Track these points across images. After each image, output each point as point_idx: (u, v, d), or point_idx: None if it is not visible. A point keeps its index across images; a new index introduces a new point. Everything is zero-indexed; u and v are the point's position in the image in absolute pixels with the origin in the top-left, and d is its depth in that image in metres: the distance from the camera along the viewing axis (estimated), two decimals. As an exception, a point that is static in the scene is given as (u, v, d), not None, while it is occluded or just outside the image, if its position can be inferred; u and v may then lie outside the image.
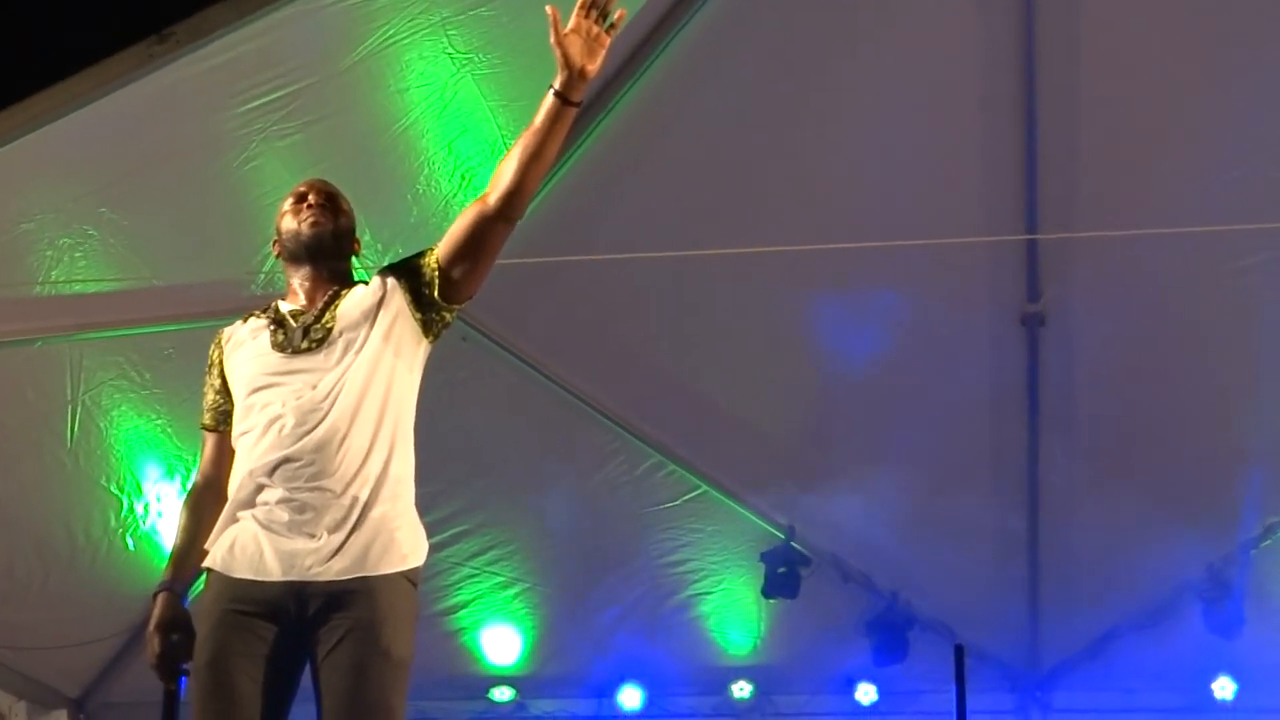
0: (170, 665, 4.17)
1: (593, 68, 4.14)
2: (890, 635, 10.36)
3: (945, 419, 9.36)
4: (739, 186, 8.57)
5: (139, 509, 8.91)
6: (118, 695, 10.28)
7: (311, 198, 4.45)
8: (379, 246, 7.49)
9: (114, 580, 9.12)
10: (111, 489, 8.79)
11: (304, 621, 4.06)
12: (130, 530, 8.97)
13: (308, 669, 4.11)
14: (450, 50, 7.36)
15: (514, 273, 7.73)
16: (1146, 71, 8.24)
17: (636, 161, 8.51)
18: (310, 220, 4.40)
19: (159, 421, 8.54)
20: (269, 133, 7.30)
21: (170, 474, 8.77)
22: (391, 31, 7.18)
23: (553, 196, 8.10)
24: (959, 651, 7.49)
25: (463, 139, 7.75)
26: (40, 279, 7.51)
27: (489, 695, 10.80)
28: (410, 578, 4.19)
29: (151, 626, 4.20)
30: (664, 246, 8.36)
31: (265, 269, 7.48)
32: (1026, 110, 8.30)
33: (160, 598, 4.23)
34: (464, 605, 10.27)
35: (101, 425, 8.45)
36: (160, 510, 8.89)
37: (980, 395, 9.46)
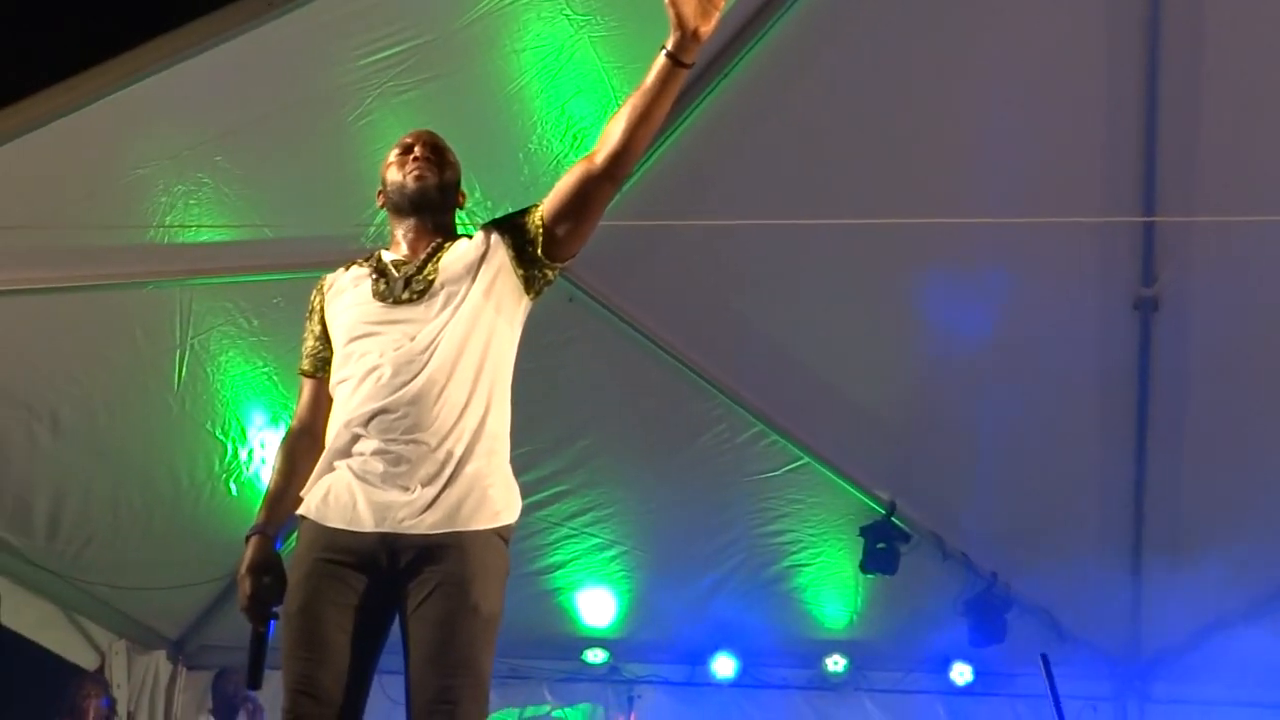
0: (261, 608, 4.20)
1: (706, 29, 4.09)
2: (988, 616, 10.29)
3: (1053, 401, 9.27)
4: (854, 157, 8.50)
5: (243, 455, 8.99)
6: (216, 639, 10.40)
7: (417, 150, 4.45)
8: (489, 204, 7.49)
9: (216, 524, 9.21)
10: (216, 434, 8.87)
11: (395, 573, 4.07)
12: (234, 475, 9.06)
13: (397, 620, 4.11)
14: (568, 11, 7.35)
15: (622, 235, 7.73)
16: (1271, 54, 8.08)
17: (751, 129, 8.45)
18: (415, 172, 4.41)
19: (265, 369, 8.61)
20: (385, 89, 7.31)
21: (275, 421, 8.84)
22: (510, -10, 7.19)
23: (664, 160, 8.08)
24: (1045, 662, 7.41)
25: (576, 100, 7.73)
26: (154, 223, 7.57)
27: (582, 656, 10.82)
28: (502, 535, 4.19)
29: (243, 569, 4.23)
30: (774, 215, 8.31)
31: (375, 222, 7.51)
32: (1148, 90, 8.19)
33: (253, 541, 4.26)
34: (561, 565, 10.30)
35: (209, 370, 8.52)
36: (263, 457, 8.96)
37: (1089, 378, 9.35)
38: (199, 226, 7.64)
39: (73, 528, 8.94)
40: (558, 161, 7.85)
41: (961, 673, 10.65)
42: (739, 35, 7.86)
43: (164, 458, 8.96)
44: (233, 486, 9.08)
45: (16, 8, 7.21)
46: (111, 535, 9.11)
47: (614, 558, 10.35)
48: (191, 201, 7.53)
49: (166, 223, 7.59)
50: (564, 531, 10.04)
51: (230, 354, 8.51)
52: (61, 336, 8.06)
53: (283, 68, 7.24)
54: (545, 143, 7.90)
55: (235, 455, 8.96)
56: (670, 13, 4.06)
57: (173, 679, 10.60)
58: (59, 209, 7.24)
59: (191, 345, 8.33)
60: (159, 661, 10.48)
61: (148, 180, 7.42)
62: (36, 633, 9.43)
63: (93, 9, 7.20)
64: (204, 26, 6.64)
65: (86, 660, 9.88)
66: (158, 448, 8.90)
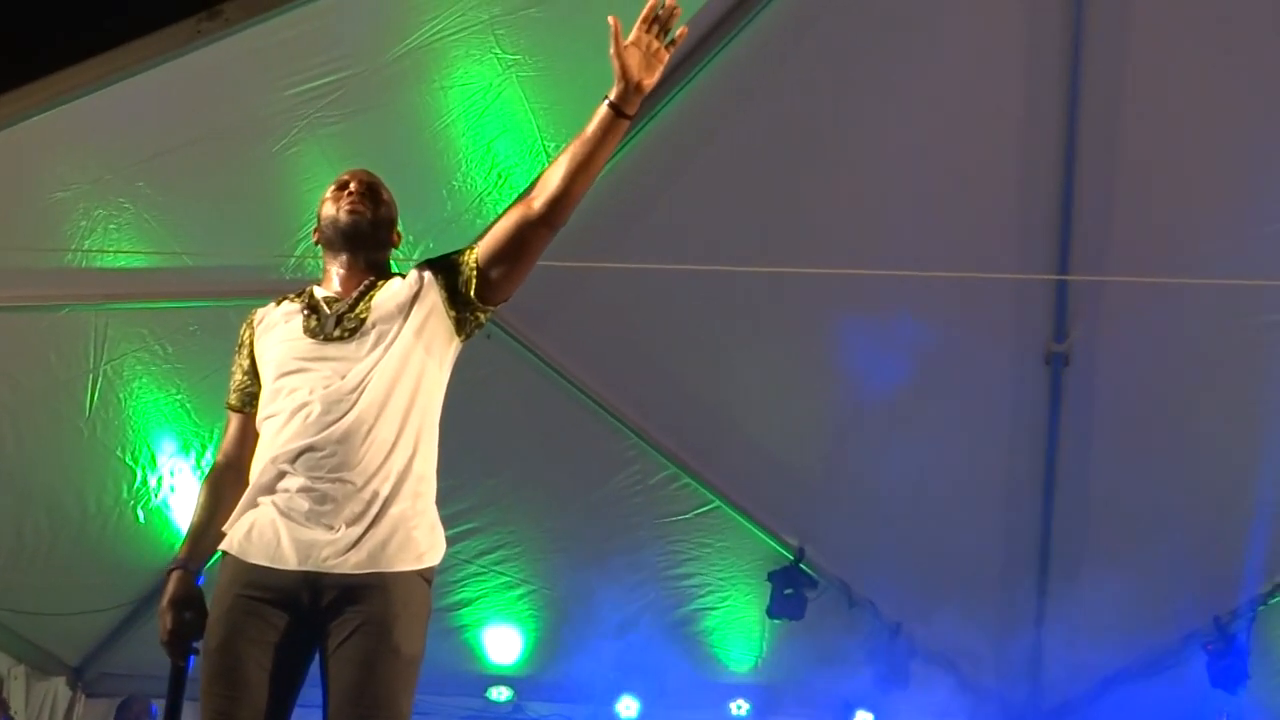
0: (181, 643, 4.17)
1: (650, 82, 4.14)
2: (892, 664, 10.34)
3: (963, 452, 9.36)
4: (773, 205, 8.56)
5: (152, 482, 8.90)
6: (117, 666, 10.29)
7: (353, 186, 4.46)
8: (411, 239, 7.47)
9: (121, 551, 9.12)
10: (126, 460, 8.78)
11: (316, 612, 4.05)
12: (141, 503, 8.96)
13: (317, 658, 4.09)
14: (497, 50, 7.35)
15: (544, 275, 7.71)
16: (1187, 121, 8.23)
17: (671, 176, 8.50)
18: (349, 208, 4.41)
19: (178, 396, 8.54)
20: (311, 119, 7.29)
21: (185, 449, 8.77)
22: (440, 26, 7.17)
23: (588, 202, 8.08)
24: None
25: (502, 139, 7.73)
26: (72, 247, 7.51)
27: (487, 694, 10.78)
28: (425, 576, 4.19)
29: (164, 603, 4.19)
30: (694, 260, 8.36)
31: (296, 254, 7.48)
32: (1065, 150, 8.31)
33: (174, 575, 4.22)
34: (468, 603, 10.27)
35: (121, 396, 8.44)
36: (173, 485, 8.88)
37: (1000, 430, 9.45)
38: (117, 251, 7.58)
39: (-24, 550, 8.83)
40: (480, 199, 7.86)
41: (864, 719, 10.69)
42: (664, 83, 7.88)
43: (72, 482, 8.86)
44: (140, 514, 8.97)
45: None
46: (15, 558, 8.98)
47: (521, 596, 10.34)
48: (111, 226, 7.47)
49: (85, 246, 7.52)
50: (472, 569, 10.02)
51: (143, 380, 8.43)
52: (-30, 357, 7.98)
53: (209, 95, 7.20)
54: (469, 180, 7.89)
55: (144, 482, 8.87)
56: (615, 64, 4.09)
57: (71, 706, 10.46)
58: (-24, 230, 7.18)
59: (104, 370, 8.25)
60: (58, 687, 10.34)
61: (68, 203, 7.36)
62: (-66, 656, 9.32)
63: (20, 30, 7.12)
64: (133, 51, 6.60)
65: (-16, 684, 9.76)
66: (66, 472, 8.80)
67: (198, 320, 8.15)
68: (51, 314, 7.97)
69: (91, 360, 8.19)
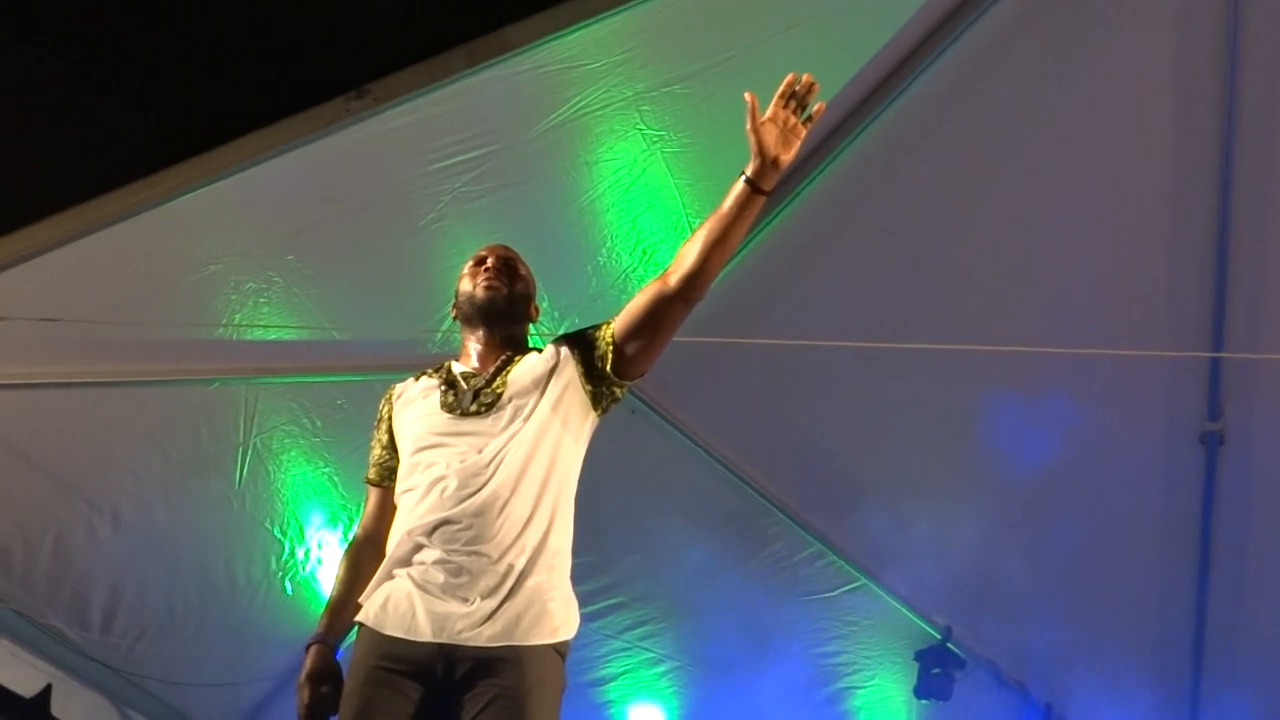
0: (317, 716, 4.22)
1: (787, 158, 4.14)
2: (1042, 747, 10.17)
3: (1115, 531, 9.19)
4: (918, 280, 8.50)
5: (300, 554, 8.98)
6: (266, 737, 10.37)
7: (490, 262, 4.50)
8: (556, 314, 7.52)
9: (270, 623, 9.19)
10: (275, 532, 8.87)
11: (450, 684, 4.06)
12: (290, 574, 9.04)
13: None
14: (641, 126, 7.38)
15: (687, 350, 7.73)
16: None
17: (818, 250, 8.47)
18: (485, 284, 4.45)
19: (326, 470, 8.62)
20: (457, 194, 7.36)
21: (333, 522, 8.84)
22: (584, 103, 7.22)
23: (732, 276, 8.09)
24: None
25: (647, 214, 7.75)
26: (223, 321, 7.63)
27: (631, 772, 10.74)
28: (560, 650, 4.19)
29: (302, 677, 4.25)
30: (838, 336, 8.31)
31: (443, 329, 7.54)
32: (1219, 224, 8.17)
33: (313, 649, 4.28)
34: (613, 678, 10.23)
35: (270, 469, 8.53)
36: (320, 557, 8.95)
37: (1153, 510, 9.27)
38: (267, 326, 7.69)
39: (127, 621, 8.91)
40: (626, 275, 7.88)
41: (1014, 803, 10.51)
42: (809, 159, 7.90)
43: (221, 554, 8.94)
44: (288, 585, 9.05)
45: (98, 105, 7.33)
46: (165, 630, 9.08)
47: (665, 672, 10.27)
48: (261, 300, 7.58)
49: (236, 321, 7.64)
50: (617, 644, 9.99)
51: (292, 453, 8.52)
52: (125, 430, 8.09)
53: (356, 171, 7.30)
54: (614, 256, 7.92)
55: (293, 554, 8.95)
56: (751, 140, 4.10)
57: (220, 776, 10.56)
58: (131, 303, 7.30)
59: (254, 444, 8.35)
60: (208, 758, 10.44)
61: (219, 277, 7.47)
62: (85, 725, 9.44)
63: (174, 107, 7.29)
64: (284, 130, 6.73)
65: (134, 754, 9.87)
66: (215, 544, 8.89)
67: (346, 394, 8.23)
68: (203, 387, 8.10)
69: (241, 433, 8.29)
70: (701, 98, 7.33)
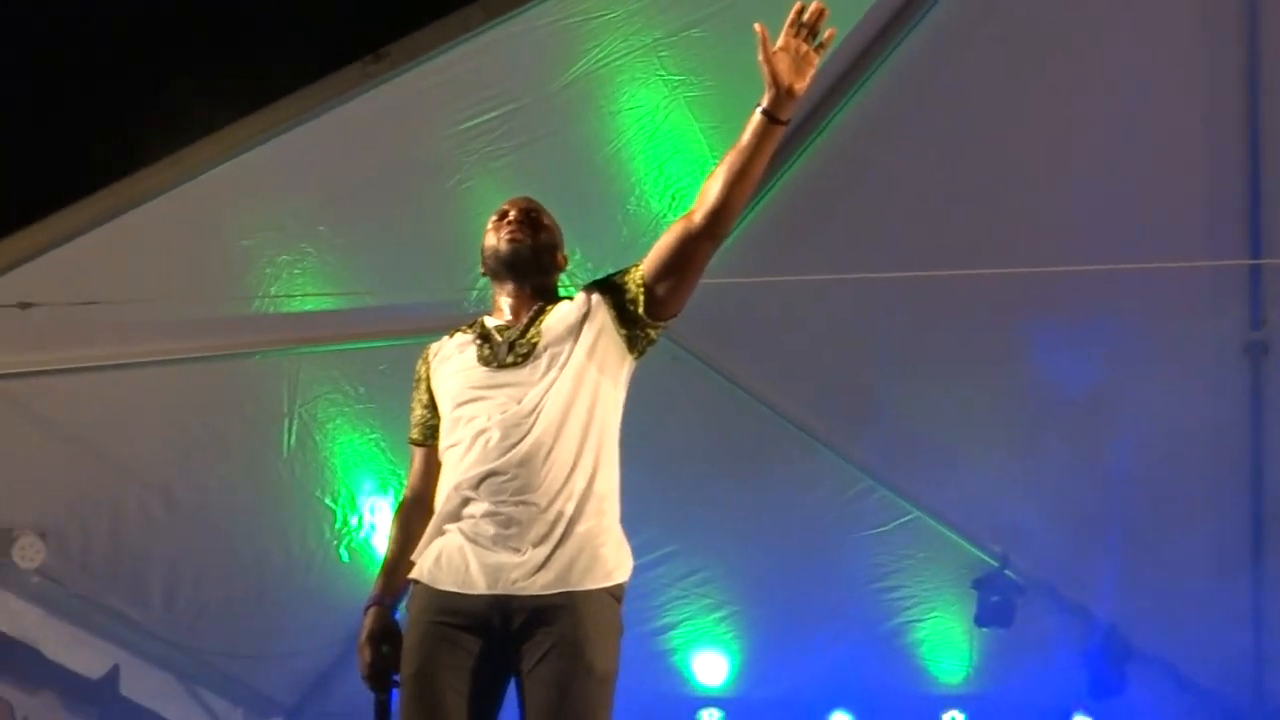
0: (381, 676, 4.25)
1: (800, 86, 4.11)
2: (1107, 667, 10.14)
3: (1164, 447, 9.14)
4: (953, 209, 8.46)
5: (353, 521, 9.04)
6: (332, 705, 10.41)
7: (512, 215, 4.50)
8: (589, 266, 7.52)
9: (329, 590, 9.27)
10: (326, 501, 8.93)
11: (508, 635, 4.09)
12: (345, 542, 9.11)
13: (513, 681, 4.13)
14: (662, 72, 7.39)
15: (723, 292, 7.73)
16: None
17: (849, 183, 8.45)
18: (509, 236, 4.45)
19: (373, 435, 8.67)
20: (482, 154, 7.38)
21: (384, 487, 8.90)
22: (604, 53, 7.23)
23: (763, 215, 8.09)
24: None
25: (673, 159, 7.76)
26: (260, 294, 7.68)
27: (697, 717, 10.76)
28: (614, 594, 4.20)
29: (363, 639, 4.28)
30: (875, 269, 8.29)
31: (478, 286, 7.56)
32: (1250, 130, 8.10)
33: (371, 611, 4.31)
34: (673, 626, 10.26)
35: (317, 438, 8.59)
36: (373, 523, 9.01)
37: (1201, 424, 9.20)
38: (304, 295, 7.73)
39: (188, 598, 9.01)
40: (656, 222, 7.88)
41: (1083, 725, 10.51)
42: (834, 89, 7.87)
43: (276, 525, 9.02)
44: (344, 553, 9.12)
45: (123, 86, 7.36)
46: (226, 604, 9.17)
47: (725, 617, 10.30)
48: (296, 271, 7.63)
49: (272, 293, 7.69)
50: (674, 592, 10.01)
51: (338, 421, 8.58)
52: (171, 408, 8.17)
53: (381, 135, 7.33)
54: (644, 203, 7.93)
55: (345, 521, 9.02)
56: (765, 70, 4.09)
57: (287, 746, 10.64)
58: (167, 281, 7.36)
59: (299, 414, 8.41)
60: (275, 729, 10.54)
61: (253, 251, 7.53)
62: (156, 703, 9.51)
63: (197, 83, 7.31)
64: (303, 98, 6.75)
65: (206, 729, 9.97)
66: (269, 515, 8.97)
67: (387, 359, 8.27)
68: (244, 361, 8.15)
69: (286, 405, 8.35)
70: (718, 40, 7.32)
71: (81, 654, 8.89)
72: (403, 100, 7.05)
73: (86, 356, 7.65)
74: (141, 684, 9.33)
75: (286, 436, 8.43)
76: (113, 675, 9.10)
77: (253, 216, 7.41)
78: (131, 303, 7.11)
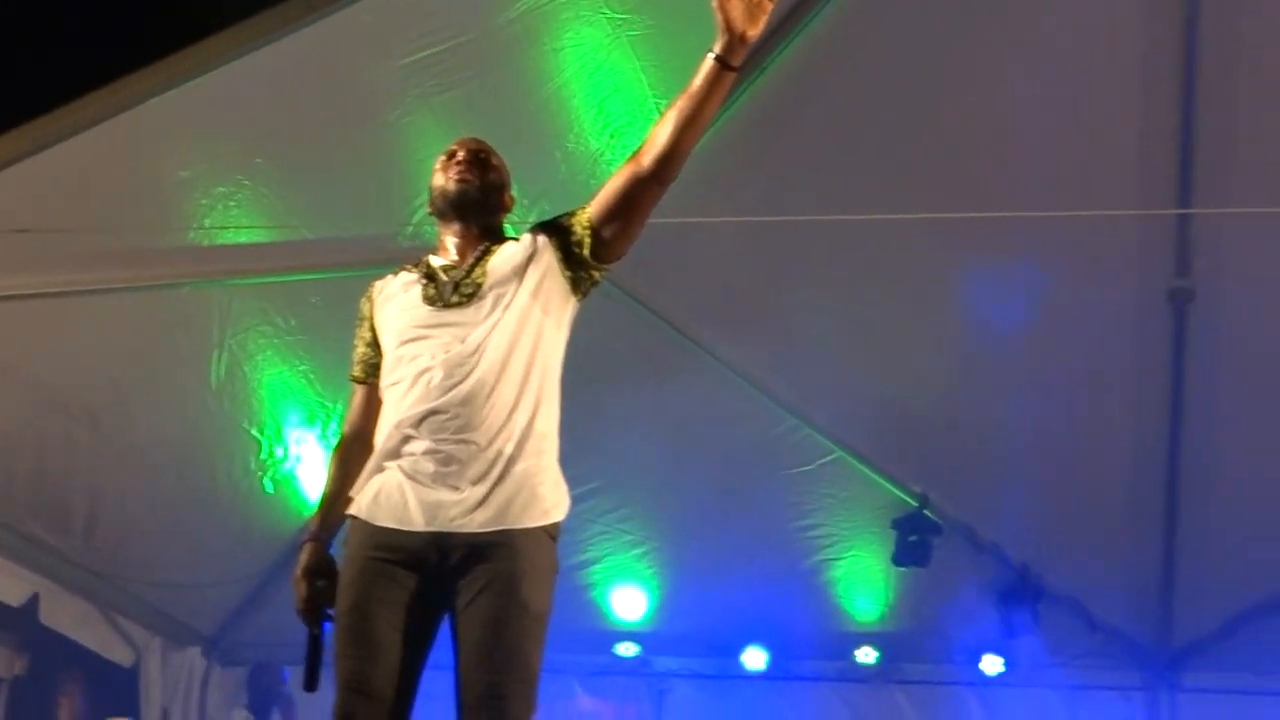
0: (316, 611, 4.28)
1: (754, 33, 4.11)
2: (1019, 607, 10.29)
3: (1087, 393, 9.28)
4: (886, 152, 8.49)
5: (279, 453, 9.03)
6: (251, 635, 10.45)
7: (460, 155, 4.50)
8: (526, 202, 7.46)
9: (252, 522, 9.27)
10: (253, 432, 8.92)
11: (445, 571, 4.12)
12: (270, 473, 9.09)
13: (447, 617, 4.16)
14: (606, 10, 7.36)
15: (657, 232, 7.73)
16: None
17: (786, 125, 8.45)
18: (456, 177, 4.45)
19: (302, 368, 8.66)
20: (424, 89, 7.35)
21: (311, 420, 8.89)
22: (548, -12, 7.22)
23: (701, 154, 8.07)
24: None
25: (613, 98, 7.74)
26: (194, 226, 7.63)
27: (614, 650, 10.86)
28: (551, 533, 4.25)
29: (298, 573, 4.30)
30: (807, 211, 8.32)
31: (414, 221, 7.55)
32: (1184, 82, 8.16)
33: (307, 546, 4.33)
34: (594, 561, 10.33)
35: (246, 370, 8.57)
36: (299, 455, 9.01)
37: (1124, 370, 9.34)
38: (237, 227, 7.69)
39: (110, 526, 8.99)
40: (594, 160, 7.87)
41: (993, 664, 10.64)
42: (775, 33, 7.86)
43: (201, 456, 9.01)
44: (269, 484, 9.11)
45: (60, 15, 7.27)
46: (148, 533, 9.16)
47: (645, 553, 10.38)
48: (231, 203, 7.59)
49: (206, 225, 7.64)
50: (597, 528, 10.08)
51: (267, 353, 8.56)
52: (100, 337, 8.12)
53: (322, 70, 7.29)
54: (582, 141, 7.91)
55: (271, 453, 9.00)
56: (718, 16, 4.09)
57: (206, 675, 10.64)
58: (101, 212, 7.30)
59: (229, 345, 8.39)
60: (194, 659, 10.53)
61: (189, 183, 7.48)
62: (74, 631, 9.50)
63: (135, 15, 7.23)
64: (244, 31, 6.69)
65: (123, 658, 9.95)
66: (194, 446, 8.95)
67: (319, 292, 8.26)
68: (175, 291, 8.12)
69: (216, 335, 8.32)
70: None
71: (3, 580, 8.86)
72: (342, 36, 7.02)
73: (15, 285, 7.58)
74: (61, 612, 9.31)
75: (216, 367, 8.41)
76: (32, 603, 9.08)
77: (191, 148, 7.36)
78: (64, 232, 7.05)
